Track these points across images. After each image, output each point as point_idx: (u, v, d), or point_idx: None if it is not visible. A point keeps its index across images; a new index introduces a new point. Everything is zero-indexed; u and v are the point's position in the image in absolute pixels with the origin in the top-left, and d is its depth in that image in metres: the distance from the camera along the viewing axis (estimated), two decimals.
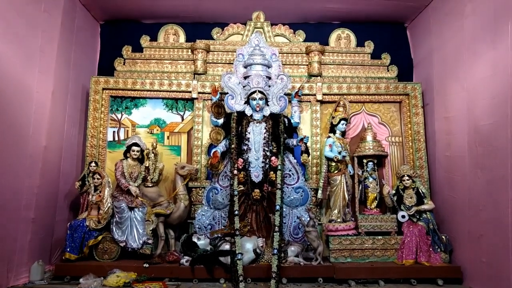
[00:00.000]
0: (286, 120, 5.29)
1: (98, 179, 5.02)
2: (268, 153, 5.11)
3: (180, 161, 5.55)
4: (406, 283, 4.51)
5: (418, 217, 5.00)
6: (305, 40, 5.94)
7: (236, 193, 4.91)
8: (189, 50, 5.86)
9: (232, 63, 5.61)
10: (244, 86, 5.27)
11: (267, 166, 5.08)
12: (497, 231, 3.98)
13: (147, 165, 5.17)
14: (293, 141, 5.23)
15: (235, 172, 5.02)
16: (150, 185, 5.20)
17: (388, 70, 5.88)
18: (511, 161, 3.81)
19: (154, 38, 5.95)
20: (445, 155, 5.12)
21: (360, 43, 5.97)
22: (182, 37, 5.99)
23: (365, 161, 5.34)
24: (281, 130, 5.14)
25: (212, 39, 5.92)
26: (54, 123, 4.99)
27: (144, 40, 5.91)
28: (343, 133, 5.48)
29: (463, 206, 4.63)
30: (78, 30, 5.50)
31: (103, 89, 5.59)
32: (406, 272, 4.59)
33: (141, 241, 4.89)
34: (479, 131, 4.36)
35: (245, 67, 5.35)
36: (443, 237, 4.89)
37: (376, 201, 5.26)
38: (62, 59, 5.15)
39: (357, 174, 5.30)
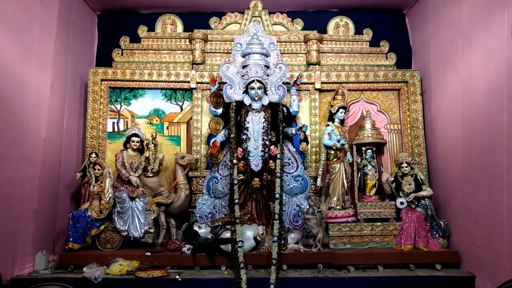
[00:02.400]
0: (285, 109, 5.30)
1: (98, 170, 5.06)
2: (267, 142, 5.14)
3: (180, 151, 5.58)
4: (404, 268, 4.58)
5: (416, 203, 5.07)
6: (303, 29, 5.94)
7: (236, 182, 4.96)
8: (187, 40, 5.86)
9: (230, 53, 5.64)
10: (242, 76, 5.28)
11: (267, 155, 5.12)
12: (492, 216, 4.04)
13: (147, 156, 5.22)
14: (292, 130, 5.24)
15: (235, 161, 5.06)
16: (151, 175, 5.25)
17: (386, 58, 5.89)
18: (506, 147, 3.89)
19: (151, 28, 5.96)
20: (440, 142, 5.19)
21: (358, 31, 5.98)
22: (179, 27, 6.00)
23: (364, 148, 5.38)
24: (280, 119, 5.16)
25: (210, 28, 5.92)
26: (53, 115, 5.02)
27: (142, 31, 5.90)
28: (342, 121, 5.51)
29: (459, 192, 4.68)
30: (75, 22, 5.50)
31: (102, 80, 5.60)
32: (405, 257, 4.66)
33: (142, 230, 4.94)
34: (473, 118, 4.41)
35: (243, 56, 5.35)
36: (441, 222, 4.95)
37: (375, 188, 5.31)
38: (59, 51, 5.17)
39: (356, 161, 5.34)
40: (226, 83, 5.32)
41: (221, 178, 5.26)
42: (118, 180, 5.13)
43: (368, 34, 5.96)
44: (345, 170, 5.28)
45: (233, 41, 5.65)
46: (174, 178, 5.35)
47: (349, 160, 5.38)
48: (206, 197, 5.28)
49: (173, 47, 5.90)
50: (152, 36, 5.93)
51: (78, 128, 5.58)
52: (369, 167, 5.37)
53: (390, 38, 5.93)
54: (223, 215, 5.12)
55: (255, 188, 5.12)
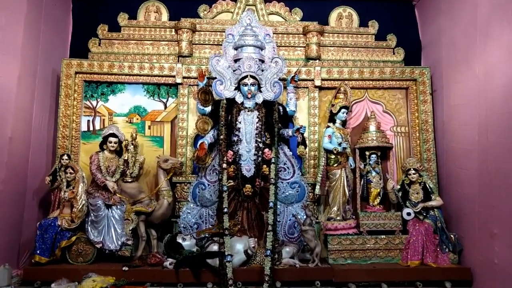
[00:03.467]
0: (281, 108, 5.31)
1: (71, 173, 5.03)
2: (260, 145, 5.14)
3: (163, 153, 5.57)
4: (411, 286, 4.58)
5: (424, 214, 5.08)
6: (302, 19, 5.97)
7: (225, 188, 4.95)
8: (173, 30, 5.87)
9: (221, 45, 5.62)
10: (234, 70, 5.28)
11: (260, 159, 5.12)
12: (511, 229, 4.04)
13: (126, 158, 5.20)
14: (288, 132, 5.25)
15: (224, 165, 5.05)
16: (130, 180, 5.23)
17: (394, 53, 5.93)
18: None
19: (133, 16, 5.95)
20: (453, 146, 5.20)
21: (363, 23, 6.01)
22: (165, 15, 6.00)
23: (367, 153, 5.41)
24: (275, 119, 5.17)
25: (199, 17, 5.92)
26: (20, 111, 4.98)
27: (122, 18, 5.89)
28: (344, 123, 5.53)
29: (473, 203, 4.68)
30: (47, 8, 5.44)
31: (76, 73, 5.58)
32: (412, 274, 4.66)
33: (119, 242, 4.90)
34: (491, 120, 4.40)
35: (236, 49, 5.35)
36: (451, 236, 4.96)
37: (379, 197, 5.33)
38: (29, 40, 5.10)
39: (358, 167, 5.36)
40: (215, 78, 5.31)
41: (208, 185, 5.25)
42: (92, 185, 5.12)
43: (373, 26, 6.00)
44: (347, 177, 5.29)
45: (224, 32, 5.65)
46: (156, 184, 5.34)
47: (351, 165, 5.40)
48: (192, 205, 5.26)
49: (157, 37, 5.90)
50: (133, 24, 5.93)
51: (49, 127, 5.53)
52: (373, 173, 5.38)
53: (398, 32, 5.99)
54: (210, 226, 5.10)
55: (246, 195, 5.13)
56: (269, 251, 4.52)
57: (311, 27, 5.77)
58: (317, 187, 5.23)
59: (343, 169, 5.28)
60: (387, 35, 5.96)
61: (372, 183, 5.36)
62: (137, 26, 5.90)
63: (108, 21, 5.85)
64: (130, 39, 5.85)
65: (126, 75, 5.65)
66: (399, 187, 5.24)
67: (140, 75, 5.66)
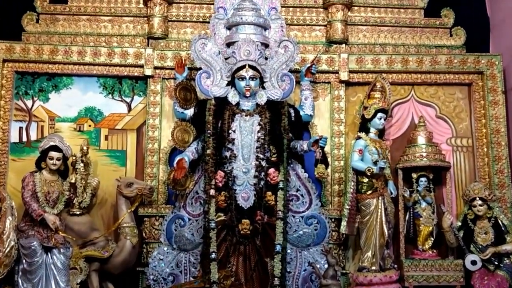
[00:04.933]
0: (292, 111, 5.35)
1: None
2: (263, 163, 5.16)
3: (126, 174, 5.61)
4: None
5: (496, 263, 5.08)
6: None
7: (213, 225, 4.98)
8: (141, 1, 5.94)
9: (208, 22, 5.68)
10: (226, 58, 5.33)
11: (262, 183, 5.14)
12: None
13: (73, 181, 5.22)
14: (303, 145, 5.24)
15: (212, 192, 5.07)
16: (78, 213, 5.25)
17: (451, 35, 5.95)
18: None
19: None
20: None
21: None
22: None
23: (415, 175, 5.44)
24: (284, 126, 5.20)
25: None
26: None
27: None
28: (381, 132, 5.56)
29: None
30: None
31: (4, 60, 5.61)
32: None
33: None
34: None
35: (229, 28, 5.42)
36: None
37: (432, 239, 5.36)
38: None
39: (402, 196, 5.40)
40: (200, 69, 5.35)
41: (189, 219, 5.29)
42: (25, 219, 5.05)
43: None
44: (386, 209, 5.29)
45: (212, 4, 5.73)
46: (115, 218, 5.36)
47: (391, 193, 5.42)
48: (166, 248, 5.29)
49: (119, 11, 5.95)
50: None
51: None
52: (423, 204, 5.42)
53: (456, 5, 6.04)
54: (191, 278, 5.10)
55: (243, 235, 5.12)
56: None
57: None
58: (344, 223, 5.23)
59: (380, 198, 5.28)
60: (441, 9, 6.01)
61: (421, 218, 5.37)
62: None
63: None
64: (81, 14, 5.88)
65: (75, 64, 5.68)
66: (460, 224, 5.27)
67: (94, 64, 5.69)
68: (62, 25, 5.87)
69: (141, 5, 5.93)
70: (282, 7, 5.75)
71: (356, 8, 5.98)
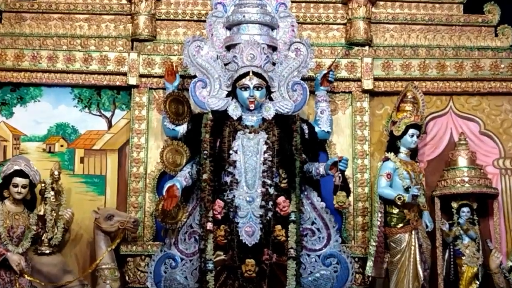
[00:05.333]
0: (305, 127, 5.30)
1: None
2: (271, 190, 5.02)
3: (105, 205, 5.53)
4: None
5: None
6: None
7: (211, 266, 4.84)
8: None
9: (204, 21, 5.60)
10: (226, 64, 5.27)
11: (270, 214, 5.00)
12: None
13: (41, 213, 5.13)
14: (318, 168, 5.15)
15: (209, 226, 4.90)
16: (48, 252, 5.15)
17: (496, 35, 5.91)
18: None
19: None
20: None
21: None
22: None
23: (455, 205, 5.35)
24: (296, 146, 5.11)
25: None
26: None
27: None
28: (414, 152, 5.47)
29: None
30: None
31: None
32: None
33: None
34: None
35: (229, 28, 5.37)
36: None
37: (478, 282, 5.27)
38: None
39: (440, 229, 5.31)
40: (195, 77, 5.28)
41: (182, 259, 5.18)
42: None
43: None
44: (420, 246, 5.19)
45: None
46: (92, 258, 5.28)
47: (427, 226, 5.33)
48: None
49: (98, 8, 5.91)
50: None
51: None
52: (466, 240, 5.32)
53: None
54: None
55: (247, 278, 4.95)
56: None
57: None
58: (369, 263, 5.12)
59: (413, 232, 5.18)
60: (484, 4, 5.95)
61: (464, 257, 5.26)
62: None
63: None
64: (52, 12, 5.85)
65: (45, 71, 5.63)
66: (511, 264, 5.23)
67: (68, 72, 5.65)
68: (30, 25, 5.81)
69: (124, 1, 5.87)
70: (292, 2, 5.64)
71: (381, 3, 5.95)
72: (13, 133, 5.63)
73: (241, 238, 4.91)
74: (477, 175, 5.27)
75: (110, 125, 5.69)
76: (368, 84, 5.59)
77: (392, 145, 5.36)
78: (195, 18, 5.78)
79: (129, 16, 5.76)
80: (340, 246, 5.19)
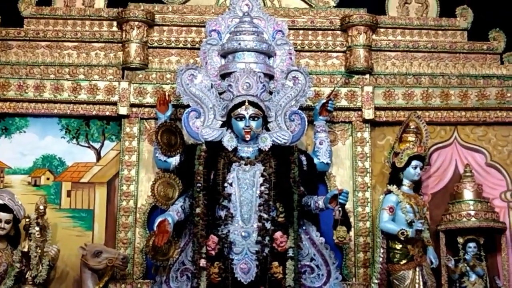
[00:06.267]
0: (304, 159, 5.27)
1: None
2: (268, 225, 4.95)
3: (93, 241, 5.51)
4: None
5: None
6: (339, 5, 6.04)
7: None
8: (114, 23, 5.91)
9: (198, 49, 5.60)
10: (221, 93, 5.29)
11: (267, 250, 4.93)
12: None
13: (25, 250, 5.07)
14: (318, 201, 5.07)
15: (203, 263, 4.85)
16: None
17: (502, 62, 5.90)
18: None
19: (46, 0, 6.06)
20: None
21: (445, 11, 6.07)
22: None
23: (461, 240, 5.34)
24: (294, 178, 5.07)
25: (160, 1, 6.03)
26: None
27: (26, 4, 5.91)
28: (417, 185, 5.42)
29: None
30: None
31: None
32: None
33: None
34: None
35: (224, 56, 5.39)
36: None
37: None
38: None
39: (445, 266, 5.26)
40: (188, 106, 5.27)
41: None
42: None
43: (465, 16, 6.01)
44: (425, 284, 5.12)
45: (203, 26, 5.66)
46: None
47: (431, 263, 5.27)
48: None
49: (87, 36, 5.91)
50: (45, 14, 5.95)
51: None
52: (473, 277, 5.28)
53: (508, 26, 5.98)
54: None
55: None
56: None
57: (356, 17, 5.77)
58: None
59: (417, 269, 5.12)
60: (489, 31, 5.95)
61: None
62: (52, 17, 5.91)
63: (3, 9, 5.92)
64: (40, 40, 5.86)
65: (31, 101, 5.64)
66: None
67: (56, 102, 5.65)
68: (16, 53, 5.81)
69: (115, 28, 5.91)
70: (290, 29, 5.69)
71: (382, 30, 5.96)
72: None
73: (236, 275, 4.85)
74: (483, 208, 5.26)
75: (99, 157, 5.70)
76: (369, 114, 5.60)
77: (395, 177, 5.35)
78: (188, 45, 5.81)
79: (120, 44, 5.80)
80: (340, 284, 5.12)
